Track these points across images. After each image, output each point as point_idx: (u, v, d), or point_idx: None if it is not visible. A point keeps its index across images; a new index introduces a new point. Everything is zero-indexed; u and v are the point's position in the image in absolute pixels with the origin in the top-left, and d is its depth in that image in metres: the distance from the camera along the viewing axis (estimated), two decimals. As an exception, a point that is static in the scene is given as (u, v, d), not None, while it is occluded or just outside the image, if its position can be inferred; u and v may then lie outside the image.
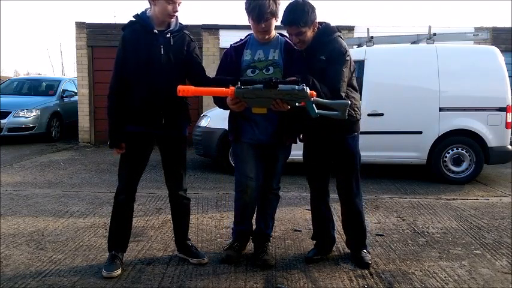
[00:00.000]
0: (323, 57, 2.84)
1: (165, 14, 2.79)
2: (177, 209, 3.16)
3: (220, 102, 2.89)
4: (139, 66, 2.81)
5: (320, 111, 2.64)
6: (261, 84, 2.58)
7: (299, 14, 2.81)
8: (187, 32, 2.97)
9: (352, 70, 2.99)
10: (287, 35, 3.03)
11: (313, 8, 2.87)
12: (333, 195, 3.24)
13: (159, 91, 2.82)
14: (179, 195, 3.11)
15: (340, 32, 3.01)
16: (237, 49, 3.01)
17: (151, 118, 2.86)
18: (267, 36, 2.93)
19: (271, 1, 2.79)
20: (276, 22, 2.92)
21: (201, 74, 2.95)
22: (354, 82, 3.05)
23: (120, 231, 3.03)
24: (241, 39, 3.06)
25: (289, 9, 2.84)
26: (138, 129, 2.88)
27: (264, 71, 2.94)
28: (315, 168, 3.16)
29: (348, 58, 2.88)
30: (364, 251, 3.17)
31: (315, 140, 3.09)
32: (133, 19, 2.89)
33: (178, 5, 2.80)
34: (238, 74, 2.90)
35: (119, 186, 3.01)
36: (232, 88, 2.60)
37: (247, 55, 2.97)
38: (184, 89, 2.58)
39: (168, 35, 2.85)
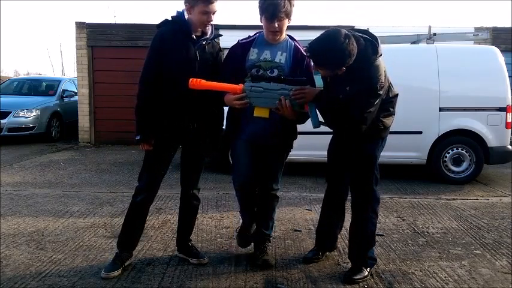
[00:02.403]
0: (347, 88, 2.60)
1: (200, 23, 2.82)
2: (186, 209, 3.16)
3: (218, 98, 2.90)
4: (175, 69, 2.80)
5: (322, 121, 2.74)
6: (271, 79, 2.75)
7: (323, 57, 2.54)
8: (217, 41, 3.02)
9: (386, 90, 2.73)
10: (296, 38, 3.02)
11: (346, 56, 2.48)
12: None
13: (192, 96, 2.79)
14: (192, 194, 3.11)
15: (377, 49, 2.62)
16: (244, 46, 2.96)
17: (183, 122, 2.87)
18: (277, 37, 2.89)
19: (286, 1, 2.75)
20: (289, 23, 2.87)
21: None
22: (390, 93, 2.81)
23: (131, 232, 3.02)
24: (250, 36, 3.01)
25: (319, 46, 2.53)
26: (168, 132, 2.87)
27: (268, 72, 2.91)
28: (334, 165, 3.07)
29: (380, 92, 2.60)
30: (363, 268, 2.91)
31: (340, 138, 2.99)
32: (170, 19, 2.88)
33: (213, 14, 2.81)
34: (242, 71, 2.88)
35: (140, 185, 2.97)
36: (241, 85, 2.73)
37: (253, 54, 2.93)
38: (196, 82, 2.70)
39: (204, 42, 2.88)
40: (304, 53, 2.89)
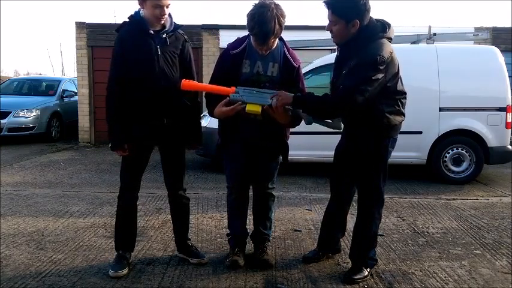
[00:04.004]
0: (353, 63, 2.64)
1: (154, 18, 2.80)
2: (177, 209, 3.16)
3: (212, 106, 2.89)
4: (138, 68, 2.80)
5: (315, 119, 2.77)
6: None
7: (341, 2, 2.65)
8: (181, 32, 2.97)
9: (392, 75, 2.70)
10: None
11: (362, 5, 2.61)
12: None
13: (159, 92, 2.81)
14: (178, 195, 3.11)
15: (387, 29, 2.73)
16: (235, 57, 2.89)
17: (154, 119, 2.85)
18: (267, 52, 2.87)
19: (276, 25, 2.69)
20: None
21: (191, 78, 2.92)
22: (398, 87, 2.79)
23: (126, 231, 3.04)
24: (239, 42, 2.93)
25: None
26: (140, 131, 2.86)
27: (261, 85, 2.89)
28: (341, 171, 3.03)
29: (381, 67, 2.58)
30: (363, 268, 2.90)
31: (347, 140, 2.93)
32: (128, 20, 2.88)
33: (167, 7, 2.79)
34: (235, 81, 2.85)
35: (122, 186, 3.01)
36: (233, 88, 2.74)
37: (246, 67, 2.89)
38: (187, 84, 2.75)
39: (164, 36, 2.85)
40: (294, 64, 2.92)
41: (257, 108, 2.74)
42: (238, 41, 2.95)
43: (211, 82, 2.97)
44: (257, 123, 2.90)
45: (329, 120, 2.79)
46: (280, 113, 2.74)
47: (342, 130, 2.90)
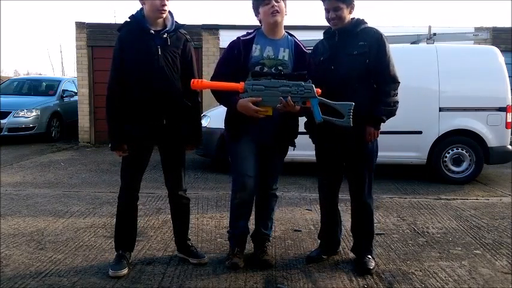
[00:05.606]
0: (362, 43, 2.86)
1: (155, 10, 2.79)
2: (177, 209, 3.16)
3: (226, 101, 2.90)
4: (138, 68, 2.80)
5: (325, 116, 2.71)
6: (270, 75, 2.76)
7: None
8: (183, 32, 2.97)
9: None
10: (296, 35, 3.05)
11: None
12: (342, 196, 3.23)
13: (158, 92, 2.81)
14: (179, 196, 3.11)
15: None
16: (246, 43, 2.92)
17: (153, 119, 2.85)
18: (278, 19, 2.86)
19: None
20: (286, 14, 2.92)
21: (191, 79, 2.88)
22: None
23: (126, 231, 3.04)
24: (248, 33, 2.98)
25: None
26: (139, 131, 2.86)
27: (272, 69, 2.89)
28: (328, 166, 3.08)
29: (386, 40, 2.93)
30: (369, 256, 3.04)
31: (331, 135, 2.92)
32: (129, 20, 2.88)
33: None
34: (244, 69, 2.84)
35: (122, 186, 3.01)
36: (242, 83, 2.73)
37: (256, 51, 2.90)
38: (198, 83, 2.76)
39: (165, 35, 2.84)
40: (305, 49, 2.99)
41: (269, 112, 2.74)
42: (247, 33, 3.00)
43: (218, 69, 2.99)
44: (269, 123, 2.88)
45: (341, 120, 2.71)
46: (292, 108, 2.74)
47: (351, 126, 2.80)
